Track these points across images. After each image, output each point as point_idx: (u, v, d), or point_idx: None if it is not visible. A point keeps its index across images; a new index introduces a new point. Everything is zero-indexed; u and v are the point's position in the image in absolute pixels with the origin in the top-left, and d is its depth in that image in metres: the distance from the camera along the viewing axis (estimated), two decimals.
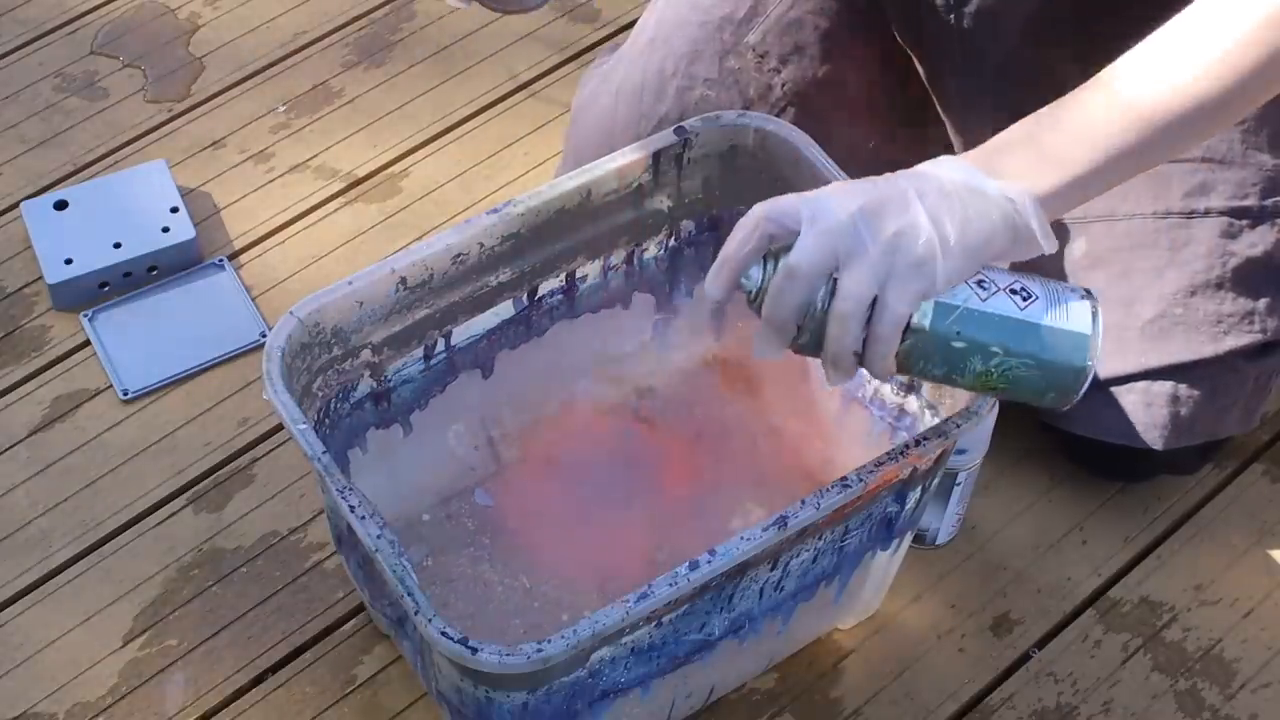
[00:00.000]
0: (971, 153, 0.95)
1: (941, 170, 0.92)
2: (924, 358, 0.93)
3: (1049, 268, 1.05)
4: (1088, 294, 0.95)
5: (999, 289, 0.93)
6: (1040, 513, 1.32)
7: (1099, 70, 1.21)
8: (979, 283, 0.93)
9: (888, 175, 0.93)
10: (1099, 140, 0.94)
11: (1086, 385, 0.94)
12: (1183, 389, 1.23)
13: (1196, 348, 1.22)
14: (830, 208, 0.90)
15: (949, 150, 1.30)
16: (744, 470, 1.20)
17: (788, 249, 0.91)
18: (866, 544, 1.11)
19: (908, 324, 0.91)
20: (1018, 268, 0.96)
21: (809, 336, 0.92)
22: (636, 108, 1.34)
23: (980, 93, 1.26)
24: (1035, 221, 0.92)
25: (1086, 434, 1.26)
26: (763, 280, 0.92)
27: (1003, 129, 1.28)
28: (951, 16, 1.23)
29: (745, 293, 0.93)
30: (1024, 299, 0.93)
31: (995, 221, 0.91)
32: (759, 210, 0.92)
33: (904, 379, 0.96)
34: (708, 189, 1.20)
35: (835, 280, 0.90)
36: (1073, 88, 1.23)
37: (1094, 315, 0.94)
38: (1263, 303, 1.22)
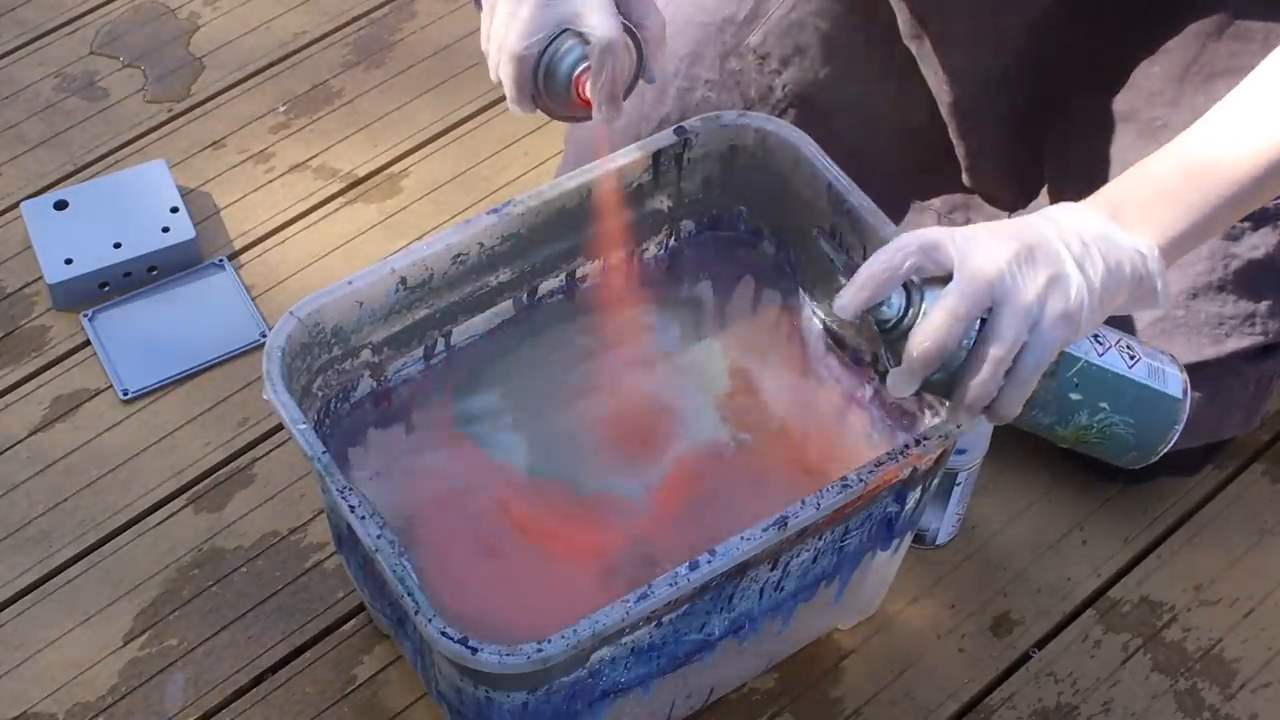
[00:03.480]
0: (1095, 199, 0.95)
1: (1076, 219, 0.93)
2: (1039, 406, 0.93)
3: None
4: (1174, 358, 0.97)
5: (1111, 345, 0.94)
6: (1040, 513, 1.32)
7: (1102, 76, 1.22)
8: (1095, 337, 0.94)
9: (1027, 219, 0.93)
10: (1212, 187, 0.95)
11: (1167, 449, 0.96)
12: None
13: (1197, 349, 1.22)
14: (984, 251, 0.90)
15: (949, 155, 1.30)
16: (744, 470, 1.20)
17: (932, 282, 0.91)
18: (866, 544, 1.11)
19: None
20: None
21: (945, 375, 0.91)
22: (637, 108, 1.34)
23: (983, 97, 1.26)
24: (1160, 278, 0.93)
25: None
26: (905, 311, 0.91)
27: (1004, 135, 1.28)
28: (956, 19, 1.23)
29: (880, 320, 0.92)
30: (1130, 357, 0.94)
31: (1126, 274, 0.92)
32: (911, 240, 0.91)
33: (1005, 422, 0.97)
34: (708, 189, 1.20)
35: (982, 321, 0.90)
36: (1077, 95, 1.23)
37: (1185, 381, 0.96)
38: (1264, 305, 1.22)
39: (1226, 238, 1.21)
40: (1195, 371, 1.22)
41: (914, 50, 1.27)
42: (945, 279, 0.91)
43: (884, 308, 0.91)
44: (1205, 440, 1.26)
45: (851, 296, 0.92)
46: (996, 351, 0.89)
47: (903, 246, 0.91)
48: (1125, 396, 0.93)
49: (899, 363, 0.92)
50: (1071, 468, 1.32)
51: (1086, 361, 0.93)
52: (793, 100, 1.31)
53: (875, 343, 1.15)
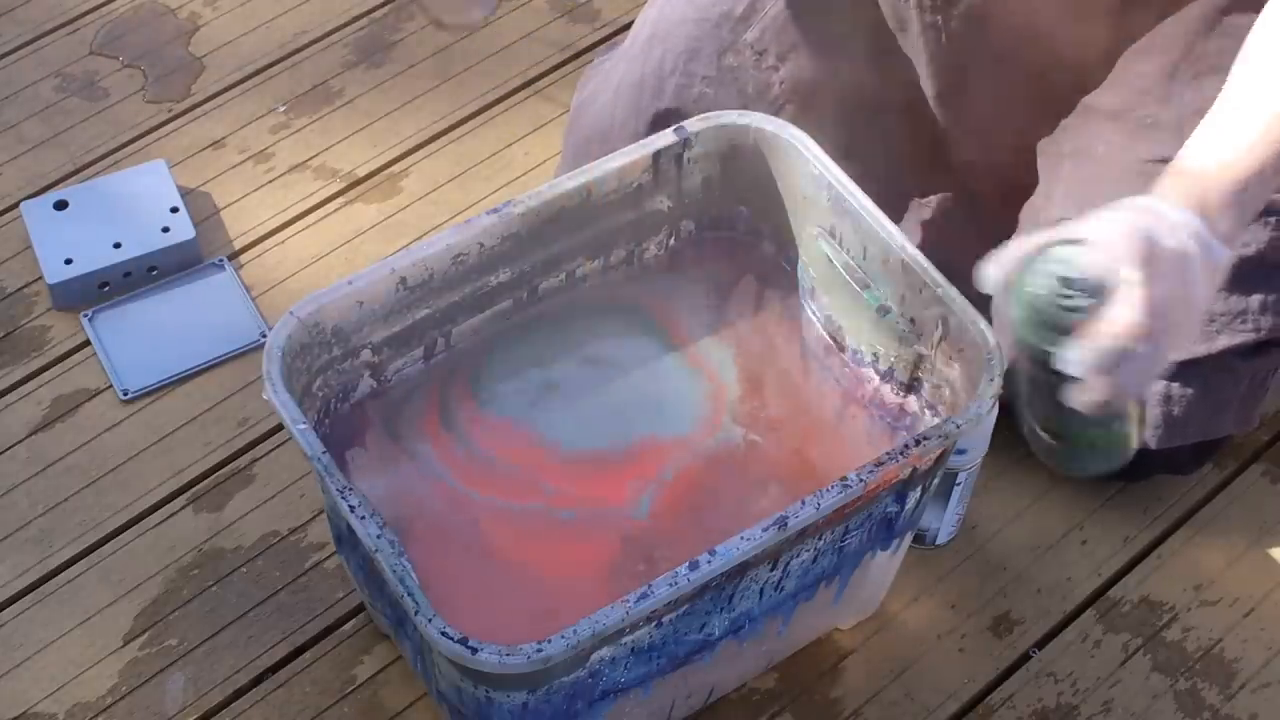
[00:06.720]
0: (1185, 191, 0.95)
1: (1190, 229, 0.92)
2: None
3: None
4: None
5: None
6: (1040, 513, 1.32)
7: (1091, 78, 1.21)
8: None
9: (1157, 211, 0.92)
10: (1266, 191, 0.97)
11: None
12: (1175, 388, 1.22)
13: (1189, 346, 1.22)
14: (1163, 281, 0.90)
15: (946, 151, 1.30)
16: (744, 470, 1.20)
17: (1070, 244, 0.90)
18: (866, 544, 1.11)
19: None
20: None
21: (1054, 338, 0.91)
22: (635, 105, 1.34)
23: (968, 89, 1.26)
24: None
25: None
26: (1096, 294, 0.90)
27: (992, 130, 1.27)
28: (939, 18, 1.23)
29: (1065, 279, 0.90)
30: None
31: (1216, 286, 0.95)
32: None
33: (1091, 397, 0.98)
34: (708, 189, 1.20)
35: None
36: (1066, 91, 1.23)
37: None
38: (1255, 301, 1.22)
39: None
40: (1186, 368, 1.22)
41: (900, 41, 1.27)
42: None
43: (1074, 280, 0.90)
44: (1199, 438, 1.26)
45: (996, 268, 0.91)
46: (1144, 349, 0.89)
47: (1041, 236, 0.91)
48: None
49: (1054, 332, 0.91)
50: None
51: None
52: (790, 96, 1.31)
53: (873, 342, 1.15)
